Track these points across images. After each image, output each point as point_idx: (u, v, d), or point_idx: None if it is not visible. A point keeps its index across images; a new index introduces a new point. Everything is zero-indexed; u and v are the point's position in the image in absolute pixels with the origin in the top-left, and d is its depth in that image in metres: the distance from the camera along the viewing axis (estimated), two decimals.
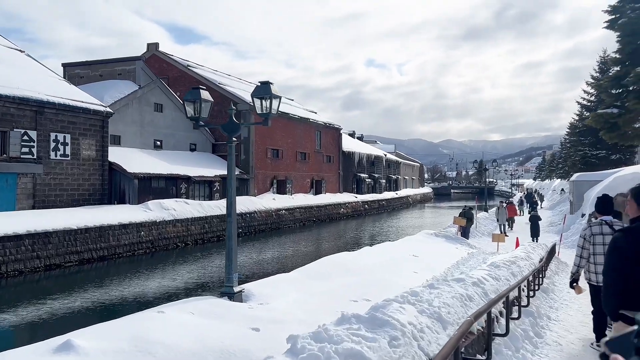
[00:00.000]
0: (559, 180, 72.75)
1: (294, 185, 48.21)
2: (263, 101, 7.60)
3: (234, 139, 8.01)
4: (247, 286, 8.41)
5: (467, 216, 24.27)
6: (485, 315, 4.80)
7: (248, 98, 43.16)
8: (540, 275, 10.81)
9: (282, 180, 46.39)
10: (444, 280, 6.50)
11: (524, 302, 8.12)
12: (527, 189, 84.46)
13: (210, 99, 7.95)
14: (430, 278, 10.41)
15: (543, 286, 10.57)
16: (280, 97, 7.83)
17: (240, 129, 7.99)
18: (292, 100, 64.04)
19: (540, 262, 11.64)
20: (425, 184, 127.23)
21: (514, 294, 7.12)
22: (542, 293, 10.05)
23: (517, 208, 38.52)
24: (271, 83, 7.63)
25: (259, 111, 7.71)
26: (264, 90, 7.61)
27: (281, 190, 45.85)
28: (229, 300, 7.43)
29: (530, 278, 8.77)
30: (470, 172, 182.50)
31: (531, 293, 8.80)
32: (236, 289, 7.82)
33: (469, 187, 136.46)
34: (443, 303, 4.96)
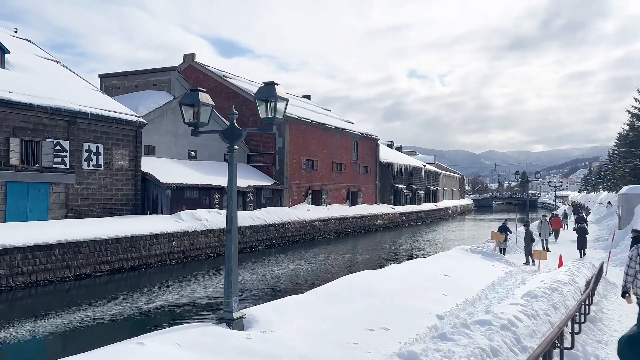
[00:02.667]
0: (606, 193, 69.60)
1: (329, 196, 47.44)
2: (268, 104, 6.84)
3: (234, 147, 7.25)
4: (250, 310, 7.60)
5: (528, 235, 21.71)
6: None
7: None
8: (587, 302, 9.46)
9: (317, 190, 45.69)
10: (462, 325, 5.41)
11: (567, 342, 6.77)
12: (571, 202, 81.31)
13: (211, 102, 7.27)
14: (460, 302, 9.36)
15: (590, 315, 9.23)
16: (287, 100, 7.04)
17: (243, 136, 7.26)
18: (329, 110, 63.43)
19: (586, 286, 10.28)
20: (466, 195, 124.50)
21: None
22: (589, 325, 8.73)
23: (562, 221, 36.84)
24: (276, 84, 6.86)
25: (262, 115, 6.95)
26: (268, 91, 6.84)
27: (316, 201, 45.14)
28: (226, 328, 6.63)
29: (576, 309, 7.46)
30: (513, 184, 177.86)
31: (576, 327, 7.49)
32: (236, 314, 6.99)
33: (511, 199, 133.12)
34: None
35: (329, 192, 47.50)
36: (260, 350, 5.68)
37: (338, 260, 28.56)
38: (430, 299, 9.74)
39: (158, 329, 7.07)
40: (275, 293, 17.59)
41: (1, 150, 22.74)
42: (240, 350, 5.61)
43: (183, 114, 7.02)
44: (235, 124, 7.23)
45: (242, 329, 6.93)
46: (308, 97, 64.43)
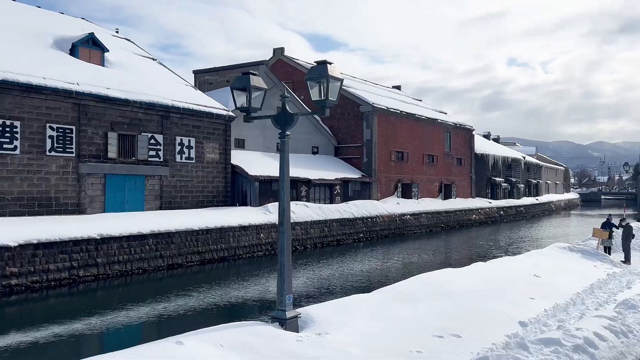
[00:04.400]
0: None
1: (420, 189, 46.12)
2: (320, 85, 6.29)
3: (287, 132, 6.77)
4: (307, 309, 7.12)
5: (626, 231, 19.96)
6: None
7: (372, 99, 42.04)
8: None
9: (407, 183, 44.56)
10: (518, 345, 4.48)
11: None
12: None
13: (264, 85, 6.84)
14: (550, 307, 8.33)
15: None
16: (341, 80, 6.43)
17: (295, 121, 6.78)
18: (420, 100, 61.77)
19: None
20: (572, 189, 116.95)
21: None
22: None
23: None
24: (329, 62, 6.27)
25: (314, 97, 6.40)
26: (319, 71, 6.26)
27: (406, 194, 44.03)
28: (278, 328, 6.22)
29: None
30: (625, 177, 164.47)
31: None
32: (289, 313, 6.56)
33: (623, 193, 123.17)
34: None
35: (420, 185, 46.18)
36: (308, 356, 5.20)
37: (425, 256, 27.51)
38: (514, 302, 8.74)
39: (222, 324, 6.83)
40: (350, 291, 16.99)
41: (100, 144, 24.03)
42: (288, 354, 5.16)
43: (235, 99, 6.68)
44: (288, 108, 6.78)
45: (296, 329, 6.51)
46: (398, 87, 63.11)
